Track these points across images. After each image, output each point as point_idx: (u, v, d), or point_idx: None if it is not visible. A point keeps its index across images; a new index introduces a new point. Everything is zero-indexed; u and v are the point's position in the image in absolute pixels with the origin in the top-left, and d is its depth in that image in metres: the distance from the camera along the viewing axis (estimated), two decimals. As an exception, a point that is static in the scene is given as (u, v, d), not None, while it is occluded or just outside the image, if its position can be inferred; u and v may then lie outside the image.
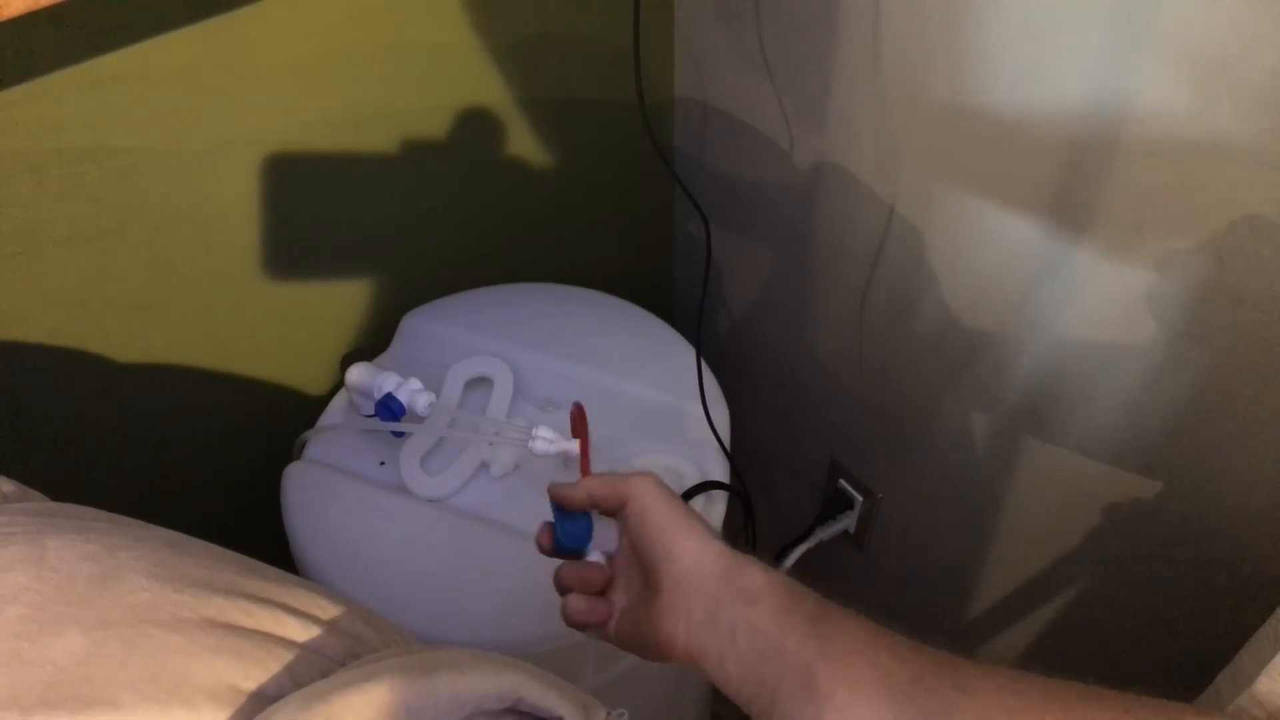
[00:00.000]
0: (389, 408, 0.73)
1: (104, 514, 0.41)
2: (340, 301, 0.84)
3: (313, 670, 0.35)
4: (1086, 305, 0.66)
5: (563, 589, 0.49)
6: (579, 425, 0.62)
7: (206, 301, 0.75)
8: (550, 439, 0.69)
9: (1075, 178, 0.62)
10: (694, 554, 0.42)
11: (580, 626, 0.48)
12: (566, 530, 0.51)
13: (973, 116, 0.66)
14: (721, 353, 1.08)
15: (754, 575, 0.41)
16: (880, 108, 0.73)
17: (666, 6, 0.89)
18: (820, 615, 0.39)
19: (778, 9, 0.78)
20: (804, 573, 1.07)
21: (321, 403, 0.82)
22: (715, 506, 0.73)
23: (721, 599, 0.41)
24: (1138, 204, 0.59)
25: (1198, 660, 0.66)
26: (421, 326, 0.87)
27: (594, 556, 0.50)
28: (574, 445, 0.71)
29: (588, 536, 0.51)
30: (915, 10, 0.66)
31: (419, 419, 0.75)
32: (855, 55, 0.73)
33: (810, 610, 0.39)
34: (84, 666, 0.33)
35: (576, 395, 0.80)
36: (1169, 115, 0.54)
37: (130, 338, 0.72)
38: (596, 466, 0.73)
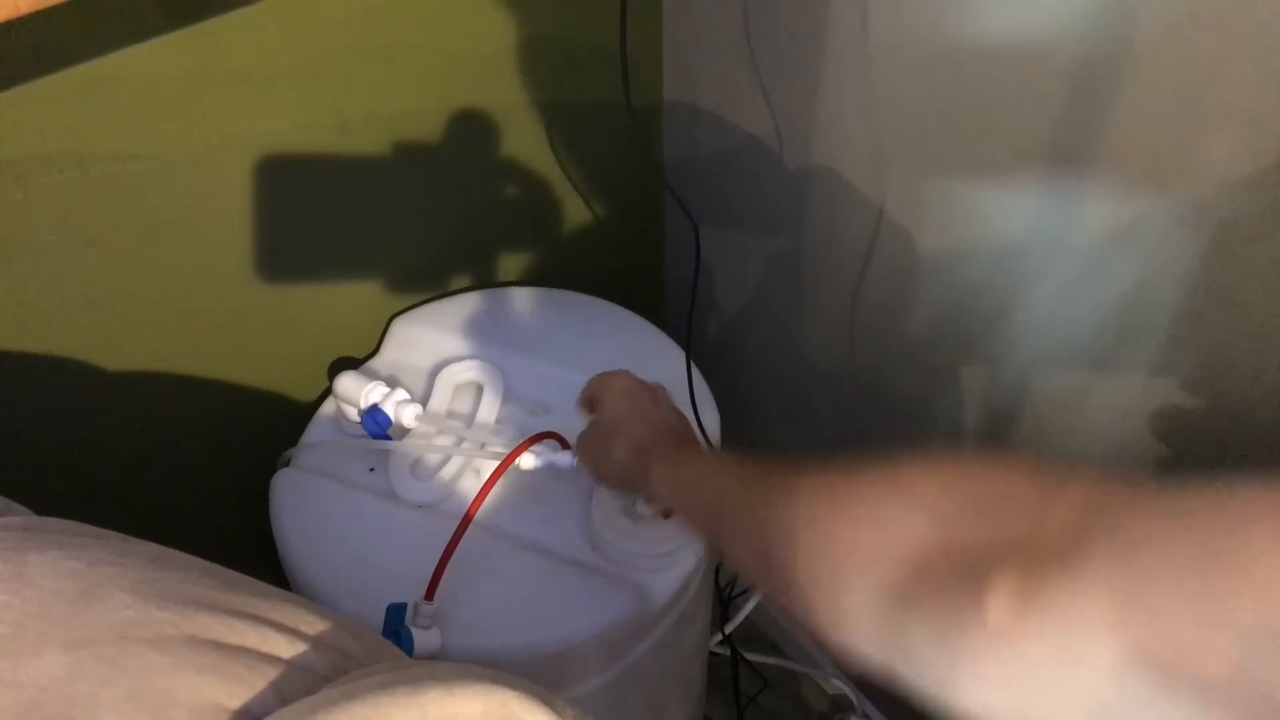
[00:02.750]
0: (375, 420, 0.73)
1: (87, 528, 0.41)
2: (329, 306, 0.84)
3: (299, 687, 0.35)
4: (1078, 306, 0.66)
5: None
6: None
7: (194, 307, 0.74)
8: (539, 452, 0.69)
9: (1067, 173, 0.62)
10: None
11: None
12: None
13: (962, 118, 0.66)
14: (712, 356, 1.08)
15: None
16: (869, 107, 0.73)
17: (654, 9, 0.89)
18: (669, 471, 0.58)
19: (766, 10, 0.78)
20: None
21: (311, 408, 0.82)
22: (706, 511, 0.73)
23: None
24: (1126, 204, 0.59)
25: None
26: (411, 330, 0.86)
27: None
28: (560, 459, 0.70)
29: None
30: (905, 8, 0.66)
31: (405, 430, 0.75)
32: (844, 54, 0.73)
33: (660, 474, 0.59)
34: (65, 686, 0.32)
35: (566, 399, 0.80)
36: (1155, 119, 0.55)
37: (116, 345, 0.72)
38: (588, 486, 0.73)
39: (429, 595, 0.62)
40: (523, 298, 0.91)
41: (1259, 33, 0.48)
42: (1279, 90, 0.48)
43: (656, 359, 0.84)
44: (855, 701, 1.21)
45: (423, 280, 0.90)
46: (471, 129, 0.84)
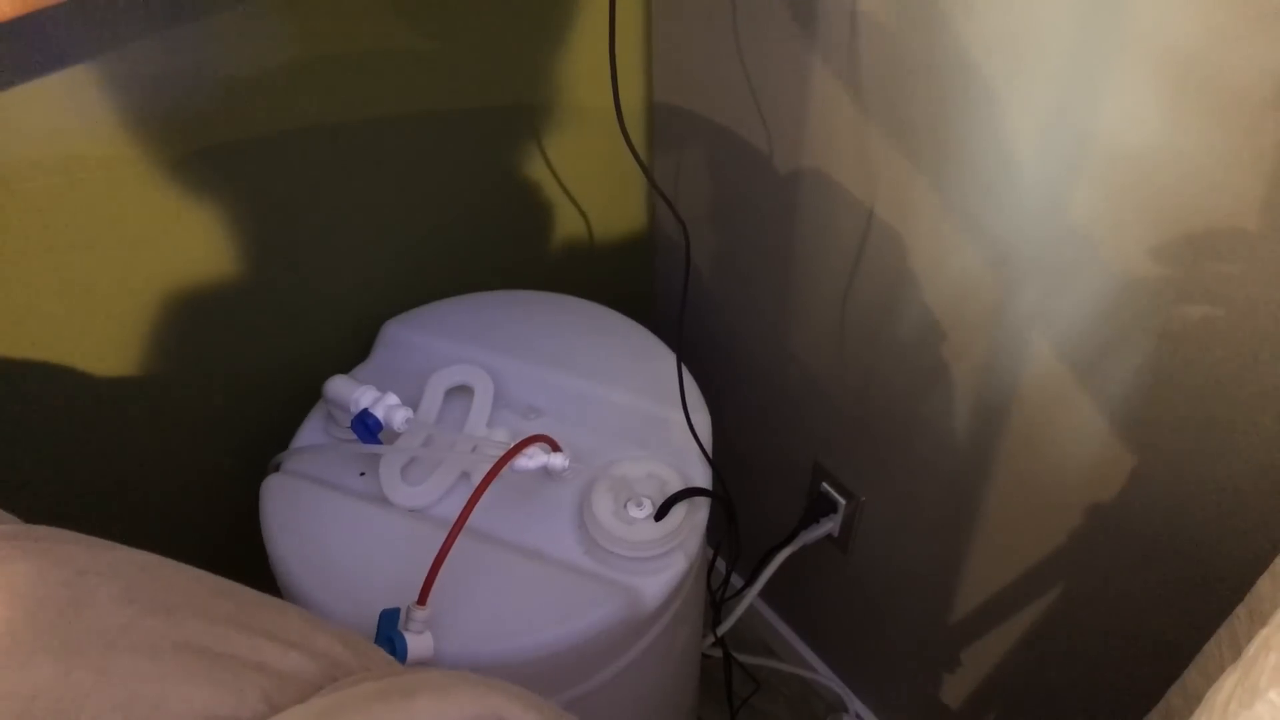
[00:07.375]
0: (365, 424, 0.72)
1: (76, 535, 0.41)
2: (319, 310, 0.84)
3: (289, 696, 0.35)
4: (1065, 307, 0.66)
5: None
6: None
7: (183, 313, 0.74)
8: (530, 455, 0.69)
9: (1055, 178, 0.62)
10: None
11: None
12: None
13: (951, 119, 0.66)
14: (703, 358, 1.08)
15: None
16: (859, 109, 0.73)
17: (643, 10, 0.89)
18: None
19: (755, 12, 0.78)
20: (788, 577, 1.08)
21: (301, 412, 0.81)
22: (698, 512, 0.73)
23: None
24: (1113, 206, 0.59)
25: (1180, 659, 0.66)
26: (401, 335, 0.86)
27: None
28: (554, 459, 0.70)
29: None
30: (893, 12, 0.66)
31: (396, 434, 0.74)
32: (833, 56, 0.73)
33: None
34: (54, 695, 0.32)
35: (558, 402, 0.80)
36: (1141, 121, 0.55)
37: (104, 350, 0.71)
38: (578, 478, 0.73)
39: (422, 600, 0.62)
40: (513, 301, 0.91)
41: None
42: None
43: (647, 361, 0.84)
44: (847, 703, 1.22)
45: (413, 284, 0.90)
46: (460, 132, 0.84)
